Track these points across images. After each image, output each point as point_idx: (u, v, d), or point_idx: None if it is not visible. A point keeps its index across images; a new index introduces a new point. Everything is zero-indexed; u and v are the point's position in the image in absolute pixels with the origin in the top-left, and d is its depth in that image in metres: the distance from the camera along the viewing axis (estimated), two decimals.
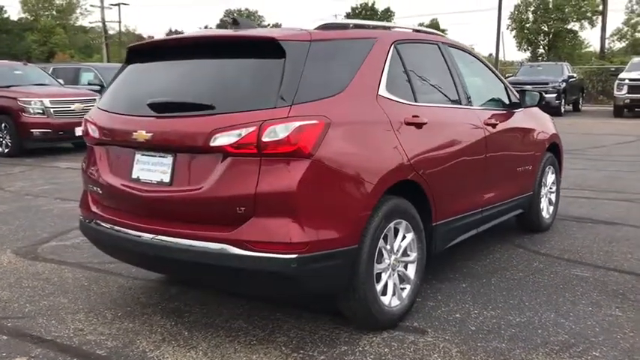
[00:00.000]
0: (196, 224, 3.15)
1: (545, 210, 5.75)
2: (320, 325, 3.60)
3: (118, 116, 3.51)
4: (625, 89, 19.56)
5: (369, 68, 3.55)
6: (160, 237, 3.24)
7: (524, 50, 61.95)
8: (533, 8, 61.84)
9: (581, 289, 4.20)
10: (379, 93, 3.54)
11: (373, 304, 3.36)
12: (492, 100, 5.06)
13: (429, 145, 3.80)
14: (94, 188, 3.65)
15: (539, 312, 3.78)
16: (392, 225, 3.48)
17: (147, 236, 3.29)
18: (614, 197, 7.39)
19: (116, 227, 3.47)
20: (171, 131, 3.23)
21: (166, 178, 3.25)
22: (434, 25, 71.97)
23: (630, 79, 19.43)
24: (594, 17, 61.45)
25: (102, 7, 47.85)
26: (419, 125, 3.73)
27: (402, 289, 3.64)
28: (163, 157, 3.28)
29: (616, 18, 63.71)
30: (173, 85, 3.42)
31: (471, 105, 4.52)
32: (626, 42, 61.48)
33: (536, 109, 5.61)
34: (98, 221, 3.63)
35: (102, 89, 13.85)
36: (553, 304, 3.91)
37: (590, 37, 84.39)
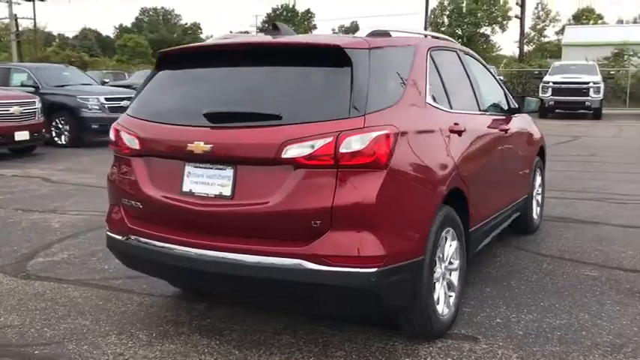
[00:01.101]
0: (263, 239, 3.01)
1: (535, 211, 5.95)
2: (370, 336, 3.54)
3: (165, 126, 3.30)
4: (549, 92, 20.64)
5: (417, 76, 3.53)
6: (220, 253, 3.07)
7: None
8: (448, 12, 64.07)
9: (599, 289, 4.36)
10: (426, 101, 3.53)
11: (431, 315, 3.35)
12: (494, 105, 5.17)
13: (467, 152, 3.84)
14: (132, 203, 3.41)
15: (573, 314, 3.89)
16: (443, 234, 3.47)
17: (205, 253, 3.11)
18: (580, 197, 7.75)
19: (163, 243, 3.26)
20: (233, 142, 3.07)
21: (227, 192, 3.08)
22: (354, 27, 73.11)
23: (554, 82, 20.54)
24: (505, 22, 64.44)
25: (10, 2, 45.05)
26: (459, 133, 3.75)
27: (449, 296, 3.64)
28: (222, 169, 3.11)
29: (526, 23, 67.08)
30: (228, 94, 3.26)
31: (486, 111, 4.60)
32: (533, 46, 64.71)
33: (524, 114, 5.78)
34: (137, 237, 3.40)
35: (37, 91, 13.08)
36: (582, 305, 4.03)
37: (501, 40, 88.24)
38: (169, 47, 3.79)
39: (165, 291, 4.30)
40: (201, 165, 3.18)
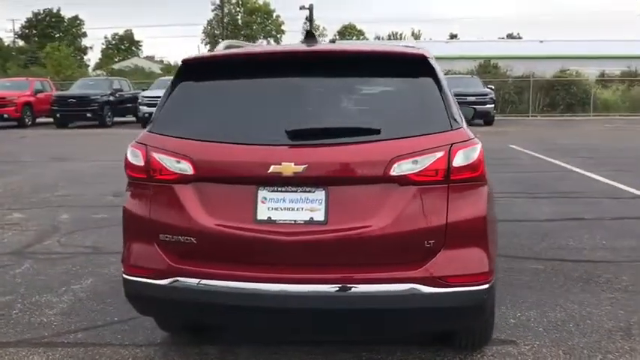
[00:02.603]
0: (365, 266, 2.75)
1: None
2: (414, 350, 3.45)
3: (233, 147, 2.82)
4: None
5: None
6: (313, 286, 2.73)
7: None
8: (224, 24, 64.72)
9: (557, 280, 4.77)
10: None
11: (492, 322, 3.37)
12: None
13: None
14: (179, 238, 2.85)
15: (563, 306, 4.20)
16: None
17: (293, 288, 2.74)
18: (497, 196, 8.37)
19: (232, 282, 2.79)
20: (329, 161, 2.75)
21: (319, 217, 2.75)
22: (128, 36, 69.85)
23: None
24: (279, 35, 67.09)
25: None
26: None
27: None
28: (310, 191, 2.76)
29: (297, 37, 70.58)
30: (306, 108, 2.90)
31: None
32: None
33: None
34: (188, 279, 2.85)
35: None
36: (560, 297, 4.37)
37: None
38: None
39: (151, 337, 3.70)
40: (280, 189, 2.79)
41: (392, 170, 2.71)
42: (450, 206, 2.75)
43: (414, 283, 2.71)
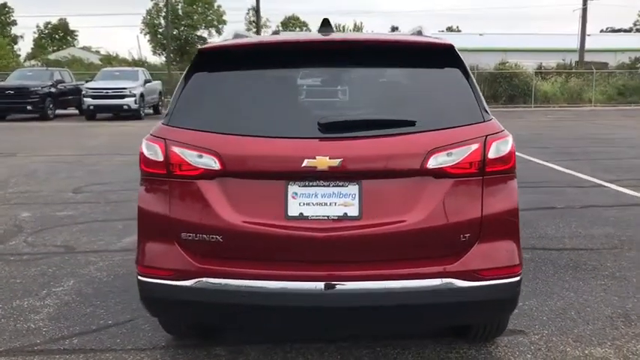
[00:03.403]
0: (399, 260, 2.68)
1: None
2: (428, 343, 3.43)
3: (262, 140, 2.69)
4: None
5: None
6: (348, 283, 2.65)
7: (159, 55, 62.99)
8: (164, 14, 63.33)
9: (547, 269, 4.85)
10: None
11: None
12: None
13: None
14: (203, 236, 2.70)
15: (559, 294, 4.27)
16: None
17: (319, 285, 2.64)
18: None
19: (261, 281, 2.67)
20: (365, 154, 2.65)
21: (353, 212, 2.66)
22: (62, 25, 67.22)
23: None
24: (220, 26, 66.09)
25: None
26: None
27: None
28: (343, 186, 2.67)
29: (239, 27, 69.82)
30: (335, 100, 2.79)
31: None
32: None
33: None
34: (213, 279, 2.71)
35: None
36: (556, 285, 4.44)
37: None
38: None
39: (154, 340, 3.54)
40: (311, 183, 2.68)
41: (429, 163, 2.64)
42: (484, 199, 2.71)
43: (449, 277, 2.66)
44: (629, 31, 61.07)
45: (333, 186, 2.68)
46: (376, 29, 64.20)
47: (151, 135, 2.84)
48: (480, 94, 2.88)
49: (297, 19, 66.80)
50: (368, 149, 2.67)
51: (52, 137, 16.04)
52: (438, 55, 2.93)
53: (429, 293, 2.66)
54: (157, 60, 60.37)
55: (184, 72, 3.00)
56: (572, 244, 5.53)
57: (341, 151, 2.62)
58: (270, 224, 2.66)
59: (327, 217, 2.66)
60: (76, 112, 24.17)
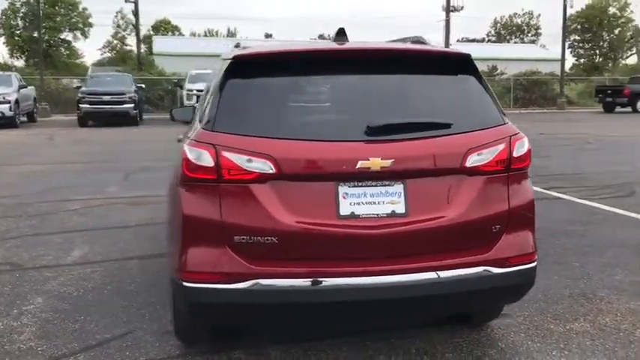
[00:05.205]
0: (445, 253, 2.91)
1: None
2: (433, 333, 3.68)
3: (315, 143, 2.79)
4: (194, 99, 21.61)
5: None
6: (399, 276, 2.83)
7: (17, 58, 58.73)
8: (22, 14, 59.31)
9: None
10: None
11: None
12: None
13: None
14: (257, 239, 2.75)
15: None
16: None
17: (379, 279, 2.80)
18: None
19: (317, 279, 2.77)
20: (412, 154, 2.85)
21: (400, 209, 2.84)
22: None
23: (198, 90, 21.57)
24: (86, 29, 62.89)
25: None
26: None
27: None
28: (389, 185, 2.84)
29: (107, 31, 66.76)
30: (375, 104, 2.96)
31: None
32: (116, 53, 64.64)
33: None
34: (266, 280, 2.77)
35: None
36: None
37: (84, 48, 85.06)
38: None
39: (166, 350, 3.49)
40: (360, 184, 2.82)
41: (466, 162, 2.89)
42: (510, 193, 3.01)
43: (486, 265, 2.93)
44: (482, 41, 65.90)
45: (380, 185, 2.84)
46: (250, 35, 64.24)
47: (196, 141, 2.84)
48: (496, 98, 3.18)
49: (169, 22, 65.18)
50: (415, 150, 2.87)
51: None
52: (459, 64, 3.20)
53: (472, 281, 2.91)
54: (17, 63, 56.19)
55: (219, 78, 3.02)
56: None
57: (391, 152, 2.80)
58: (324, 224, 2.77)
59: (377, 215, 2.82)
60: None
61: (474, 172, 2.93)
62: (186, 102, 21.87)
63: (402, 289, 2.82)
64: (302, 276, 2.78)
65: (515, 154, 3.02)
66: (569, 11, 37.78)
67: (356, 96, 3.00)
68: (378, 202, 2.84)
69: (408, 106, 3.07)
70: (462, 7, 36.92)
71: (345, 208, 2.81)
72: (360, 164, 2.76)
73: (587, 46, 60.08)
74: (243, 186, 2.77)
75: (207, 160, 2.77)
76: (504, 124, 3.08)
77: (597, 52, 59.89)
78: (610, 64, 57.28)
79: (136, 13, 30.85)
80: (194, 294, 2.83)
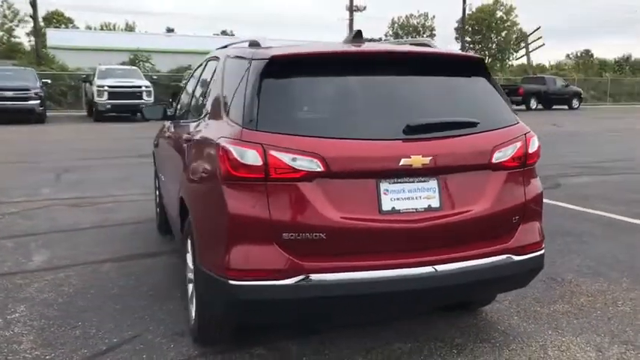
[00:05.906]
0: (471, 243, 3.10)
1: None
2: (438, 320, 3.89)
3: (359, 142, 2.89)
4: (105, 95, 20.75)
5: None
6: (438, 266, 3.00)
7: None
8: None
9: None
10: None
11: None
12: None
13: None
14: (307, 235, 2.81)
15: None
16: None
17: (419, 270, 2.96)
18: None
19: (364, 273, 2.89)
20: (446, 152, 3.02)
21: (435, 203, 3.01)
22: None
23: (109, 86, 20.77)
24: None
25: None
26: None
27: None
28: (425, 181, 3.00)
29: None
30: (407, 104, 3.11)
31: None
32: (2, 45, 60.38)
33: None
34: (316, 275, 2.84)
35: None
36: None
37: None
38: None
39: (184, 351, 3.46)
40: (399, 180, 2.96)
41: (493, 158, 3.11)
42: (525, 187, 3.27)
43: (508, 253, 3.17)
44: (379, 40, 67.93)
45: (417, 182, 3.00)
46: (150, 30, 62.44)
47: (239, 140, 2.85)
48: (506, 98, 3.43)
49: (62, 14, 61.86)
50: (450, 148, 3.05)
51: None
52: (474, 67, 3.41)
53: (499, 268, 3.14)
54: None
55: (252, 77, 3.02)
56: None
57: (430, 149, 2.96)
58: (368, 219, 2.89)
59: (415, 209, 2.98)
60: None
61: (498, 167, 3.15)
62: (96, 98, 20.94)
63: (444, 278, 2.99)
64: (350, 269, 2.88)
65: (530, 151, 3.28)
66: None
67: (391, 96, 3.13)
68: (416, 198, 2.99)
69: (439, 106, 3.24)
70: (365, 8, 37.96)
71: (386, 204, 2.94)
72: (402, 162, 2.90)
73: (477, 47, 63.45)
74: (291, 184, 2.83)
75: (254, 158, 2.80)
76: (517, 122, 3.33)
77: (487, 53, 63.36)
78: (498, 65, 60.79)
79: (33, 2, 29.03)
80: (241, 291, 2.84)
